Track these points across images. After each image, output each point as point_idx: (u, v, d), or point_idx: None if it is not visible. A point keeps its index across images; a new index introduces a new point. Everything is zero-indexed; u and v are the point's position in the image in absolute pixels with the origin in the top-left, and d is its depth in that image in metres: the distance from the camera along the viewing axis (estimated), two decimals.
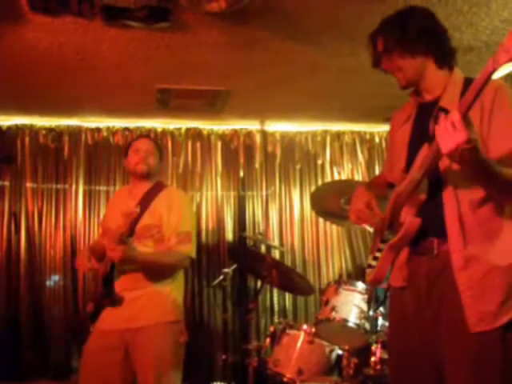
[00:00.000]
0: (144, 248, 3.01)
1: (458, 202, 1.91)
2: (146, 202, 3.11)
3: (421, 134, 2.05)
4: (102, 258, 3.03)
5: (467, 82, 2.00)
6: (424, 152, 1.93)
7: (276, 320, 5.13)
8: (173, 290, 3.12)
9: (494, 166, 1.79)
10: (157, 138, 5.31)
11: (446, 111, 1.91)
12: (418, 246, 2.01)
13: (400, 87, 2.12)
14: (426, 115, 2.04)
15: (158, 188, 3.21)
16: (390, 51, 2.04)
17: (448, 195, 1.93)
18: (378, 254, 2.09)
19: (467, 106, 1.68)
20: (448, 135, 1.68)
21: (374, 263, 2.11)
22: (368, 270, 2.14)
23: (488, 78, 1.63)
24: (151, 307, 3.01)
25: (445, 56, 2.07)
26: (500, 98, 1.90)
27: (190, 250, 3.10)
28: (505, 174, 1.81)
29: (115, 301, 2.98)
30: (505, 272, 1.87)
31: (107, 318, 3.02)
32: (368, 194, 2.23)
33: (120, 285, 3.00)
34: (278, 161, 5.55)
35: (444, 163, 1.91)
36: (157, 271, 3.04)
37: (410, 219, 1.97)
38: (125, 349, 2.98)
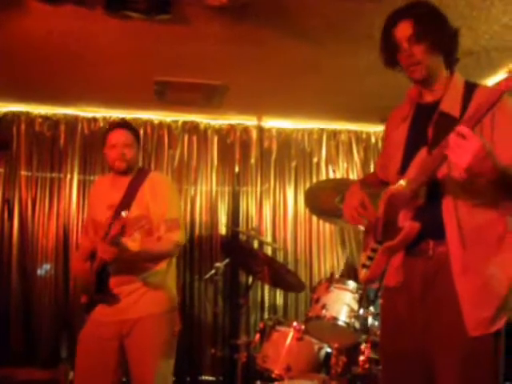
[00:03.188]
0: (131, 243, 2.99)
1: (456, 209, 1.91)
2: (131, 192, 3.10)
3: (418, 136, 2.04)
4: (94, 254, 3.02)
5: (468, 86, 2.00)
6: (421, 157, 1.93)
7: (266, 316, 5.15)
8: (167, 280, 3.15)
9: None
10: (153, 131, 5.32)
11: (447, 116, 1.91)
12: (414, 248, 2.01)
13: (414, 79, 2.05)
14: (424, 117, 2.04)
15: (141, 176, 3.17)
16: (419, 39, 1.97)
17: (446, 202, 1.93)
18: (372, 254, 2.09)
19: (474, 122, 1.68)
20: (462, 149, 1.65)
21: (368, 263, 2.11)
22: (362, 269, 2.14)
23: (498, 99, 1.64)
24: (147, 298, 3.03)
25: (454, 57, 2.06)
26: (501, 108, 1.85)
27: (180, 236, 3.08)
28: None
29: (107, 298, 2.99)
30: (501, 282, 1.89)
31: (104, 309, 3.03)
32: (361, 193, 2.23)
33: (115, 279, 3.01)
34: (273, 157, 5.55)
35: (442, 171, 1.90)
36: (148, 264, 3.05)
37: (410, 224, 1.97)
38: (120, 339, 3.01)
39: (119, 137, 3.13)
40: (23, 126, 5.14)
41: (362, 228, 3.65)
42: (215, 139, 5.49)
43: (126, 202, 3.06)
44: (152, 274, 3.06)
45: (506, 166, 1.75)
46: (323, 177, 5.57)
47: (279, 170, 5.56)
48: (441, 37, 1.98)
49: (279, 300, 5.36)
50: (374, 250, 2.09)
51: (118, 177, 3.18)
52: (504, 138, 1.88)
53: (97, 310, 3.06)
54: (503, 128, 1.89)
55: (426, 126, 1.99)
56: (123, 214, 2.86)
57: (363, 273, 2.13)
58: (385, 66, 2.14)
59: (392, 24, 2.04)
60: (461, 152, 1.66)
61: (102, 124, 5.27)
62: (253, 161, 5.51)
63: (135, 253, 2.95)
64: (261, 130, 5.53)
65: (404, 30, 2.00)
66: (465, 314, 1.86)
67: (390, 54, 2.08)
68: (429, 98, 2.08)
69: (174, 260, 3.22)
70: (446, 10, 2.03)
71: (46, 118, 5.21)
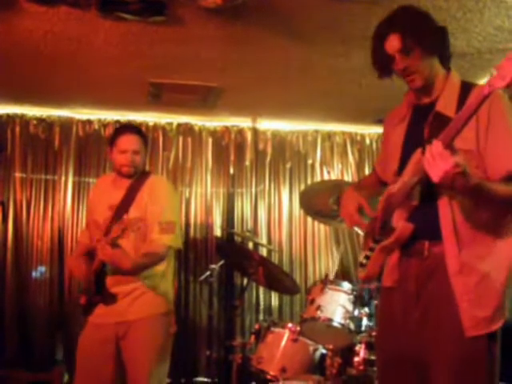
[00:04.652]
0: (125, 241, 3.00)
1: (452, 210, 1.92)
2: (131, 194, 3.10)
3: (415, 137, 2.05)
4: (93, 254, 3.03)
5: (464, 86, 2.01)
6: (416, 157, 1.94)
7: (261, 317, 5.15)
8: (164, 283, 3.15)
9: (489, 186, 1.81)
10: (148, 132, 5.31)
11: (442, 116, 1.93)
12: (409, 248, 2.02)
13: (414, 87, 2.05)
14: (421, 118, 2.05)
15: (142, 178, 3.18)
16: (409, 50, 1.96)
17: (442, 202, 1.94)
18: (369, 253, 2.11)
19: (454, 133, 1.71)
20: (435, 164, 1.70)
21: (365, 262, 2.13)
22: (360, 269, 2.16)
23: (482, 102, 1.65)
24: (143, 300, 3.04)
25: (448, 57, 2.07)
26: (496, 110, 1.89)
27: (172, 239, 3.07)
28: (501, 192, 1.83)
29: (106, 299, 3.00)
30: (498, 281, 1.90)
31: (101, 311, 3.04)
32: (358, 197, 2.23)
33: (112, 279, 3.02)
34: (268, 159, 5.55)
35: None
36: (143, 269, 3.05)
37: (403, 224, 1.99)
38: (116, 341, 3.02)
39: (130, 143, 3.12)
40: (18, 128, 5.12)
41: (359, 230, 3.66)
42: (210, 141, 5.49)
43: (126, 204, 3.07)
44: (149, 276, 3.06)
45: (484, 181, 1.79)
46: (318, 178, 5.57)
47: (274, 172, 5.56)
48: (431, 41, 1.97)
49: (274, 301, 5.36)
50: (371, 249, 2.11)
51: (120, 178, 3.19)
52: (496, 146, 1.90)
53: (95, 313, 3.07)
54: (496, 132, 1.90)
55: (423, 127, 2.00)
56: (125, 217, 2.87)
57: (361, 272, 2.15)
58: (379, 78, 2.12)
59: (381, 38, 2.02)
60: (434, 167, 1.71)
61: (96, 126, 5.27)
62: (248, 162, 5.51)
63: (130, 267, 2.96)
64: (255, 131, 5.53)
65: (393, 43, 1.97)
66: (462, 314, 1.87)
67: (384, 65, 2.06)
68: (426, 99, 2.09)
69: (172, 263, 3.22)
70: (438, 12, 2.05)
71: (40, 120, 5.19)
